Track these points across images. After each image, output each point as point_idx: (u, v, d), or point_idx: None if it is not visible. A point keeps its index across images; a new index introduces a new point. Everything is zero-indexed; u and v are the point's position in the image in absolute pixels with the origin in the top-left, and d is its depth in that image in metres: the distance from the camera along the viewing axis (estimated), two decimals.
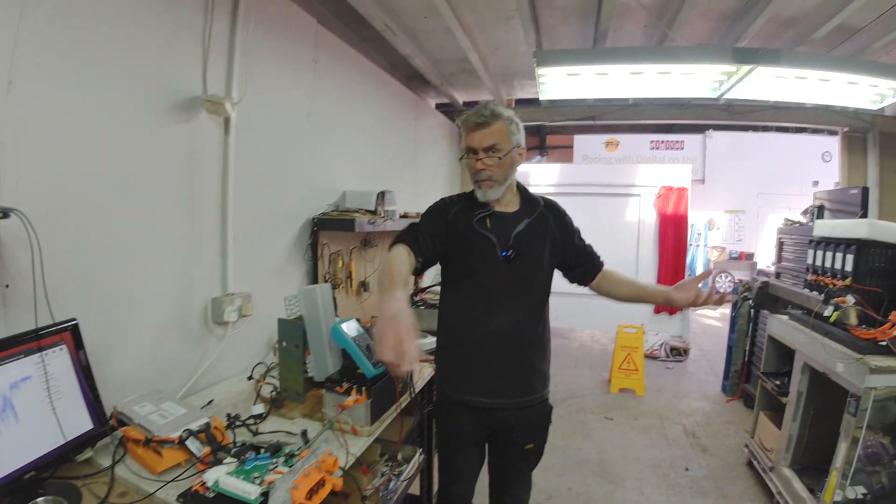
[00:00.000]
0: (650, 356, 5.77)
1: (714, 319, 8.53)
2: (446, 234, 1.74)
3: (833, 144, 5.97)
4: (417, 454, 2.38)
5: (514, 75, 4.60)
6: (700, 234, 11.29)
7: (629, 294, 1.91)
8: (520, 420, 1.77)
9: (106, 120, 1.65)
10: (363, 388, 1.66)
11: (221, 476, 1.26)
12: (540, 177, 6.90)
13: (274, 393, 1.90)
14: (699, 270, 11.34)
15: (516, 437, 1.80)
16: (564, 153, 10.89)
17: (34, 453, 1.25)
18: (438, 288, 4.08)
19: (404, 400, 1.92)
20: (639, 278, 1.94)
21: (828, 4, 3.17)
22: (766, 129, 10.92)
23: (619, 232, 6.35)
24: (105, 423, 1.46)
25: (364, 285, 3.24)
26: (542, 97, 3.75)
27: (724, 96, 3.65)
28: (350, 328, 1.78)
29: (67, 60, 1.52)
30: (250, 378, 2.15)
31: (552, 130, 10.53)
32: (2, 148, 1.36)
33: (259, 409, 1.76)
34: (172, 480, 1.35)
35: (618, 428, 3.97)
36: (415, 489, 2.54)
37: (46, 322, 1.38)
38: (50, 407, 1.30)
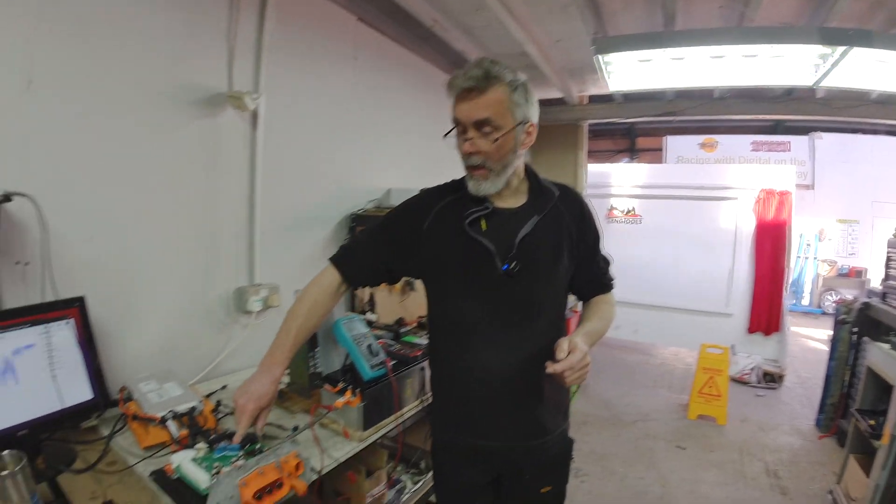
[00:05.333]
0: (739, 380, 5.22)
1: (819, 342, 7.53)
2: (410, 250, 1.41)
3: None
4: None
5: (583, 69, 4.27)
6: (809, 245, 10.14)
7: None
8: (532, 461, 1.42)
9: (124, 115, 1.74)
10: (357, 391, 1.61)
11: (184, 461, 1.27)
12: (623, 177, 6.54)
13: (283, 386, 1.91)
14: (807, 286, 10.23)
15: (529, 480, 1.45)
16: (656, 156, 10.22)
17: (29, 414, 1.34)
18: None
19: (410, 409, 1.85)
20: (595, 316, 1.48)
21: None
22: (875, 131, 9.55)
23: (713, 239, 5.82)
24: (106, 396, 1.54)
25: (409, 284, 3.20)
26: (611, 87, 3.50)
27: (821, 85, 3.20)
28: (352, 326, 1.74)
29: (87, 60, 1.63)
30: None
31: (643, 132, 9.93)
32: (16, 140, 1.48)
33: None
34: (150, 457, 1.41)
35: (689, 459, 3.60)
36: None
37: (55, 298, 1.49)
38: (50, 374, 1.40)
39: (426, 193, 1.48)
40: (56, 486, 1.29)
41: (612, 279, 1.56)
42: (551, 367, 1.17)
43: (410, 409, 1.85)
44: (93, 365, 1.51)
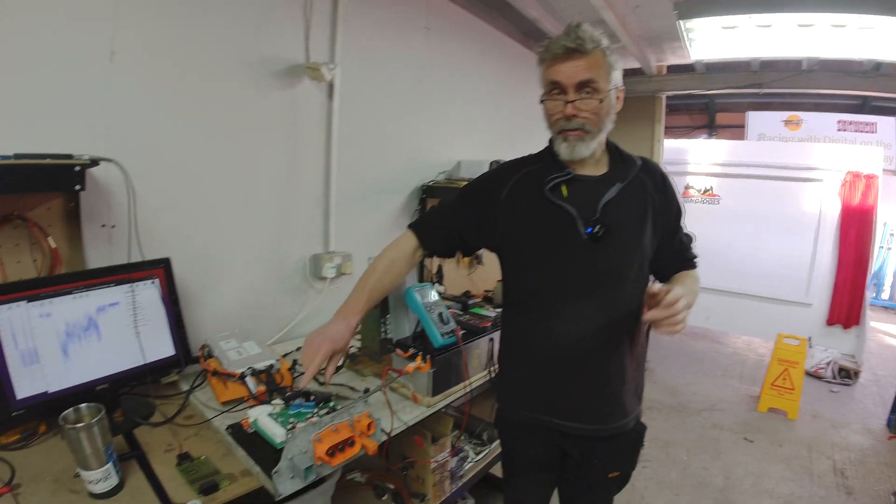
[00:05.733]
0: (813, 374, 4.91)
1: None
2: (486, 222, 1.40)
3: None
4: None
5: (662, 37, 4.02)
6: (893, 234, 9.26)
7: None
8: (604, 444, 1.39)
9: (205, 87, 1.79)
10: (428, 357, 1.61)
11: (261, 416, 1.30)
12: (701, 154, 6.20)
13: (355, 350, 1.94)
14: (888, 279, 9.35)
15: (597, 463, 1.43)
16: (736, 133, 9.55)
17: (110, 369, 1.41)
18: None
19: (477, 379, 1.83)
20: (680, 285, 1.27)
21: None
22: None
23: (795, 223, 5.47)
24: (187, 353, 1.60)
25: (477, 258, 3.18)
26: (692, 56, 3.29)
27: None
28: (424, 294, 1.74)
29: (167, 35, 1.67)
30: None
31: (723, 108, 9.34)
32: (101, 108, 1.54)
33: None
34: (227, 411, 1.46)
35: (756, 452, 3.45)
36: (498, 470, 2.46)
37: (140, 260, 1.55)
38: (134, 331, 1.46)
39: (503, 165, 1.48)
40: (132, 439, 1.35)
41: (695, 256, 1.50)
42: (650, 313, 1.12)
43: (478, 378, 1.84)
44: (176, 323, 1.57)
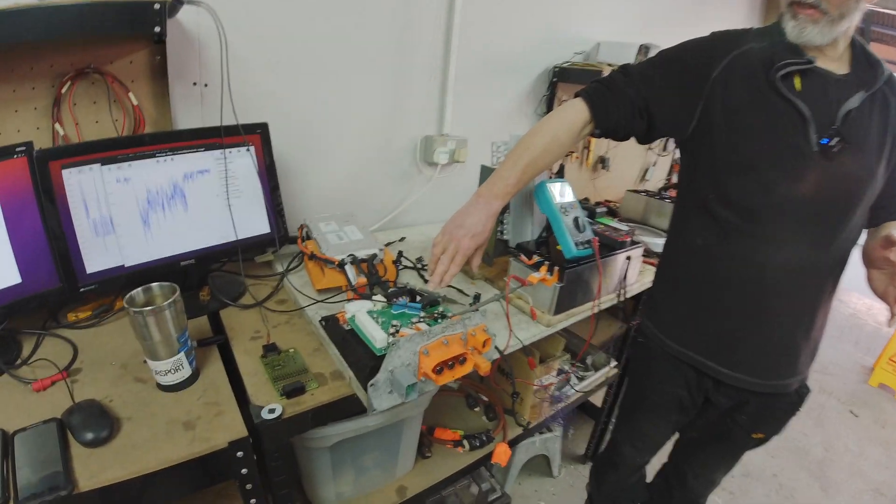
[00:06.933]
0: None
1: None
2: (687, 100, 1.10)
3: None
4: (610, 366, 2.03)
5: None
6: None
7: None
8: (758, 403, 1.22)
9: None
10: (556, 268, 1.32)
11: (360, 312, 1.10)
12: None
13: None
14: None
15: (744, 420, 1.26)
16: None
17: (197, 244, 1.26)
18: None
19: (607, 300, 1.54)
20: None
21: None
22: None
23: None
24: (283, 231, 1.43)
25: (603, 161, 2.76)
26: None
27: None
28: (559, 191, 1.41)
29: None
30: None
31: (878, 38, 7.63)
32: None
33: None
34: (323, 301, 1.28)
35: (859, 429, 3.07)
36: (596, 400, 2.29)
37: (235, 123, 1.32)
38: (225, 203, 1.28)
39: (719, 35, 1.13)
40: (217, 321, 1.22)
41: None
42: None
43: (607, 300, 1.54)
44: (272, 197, 1.38)
